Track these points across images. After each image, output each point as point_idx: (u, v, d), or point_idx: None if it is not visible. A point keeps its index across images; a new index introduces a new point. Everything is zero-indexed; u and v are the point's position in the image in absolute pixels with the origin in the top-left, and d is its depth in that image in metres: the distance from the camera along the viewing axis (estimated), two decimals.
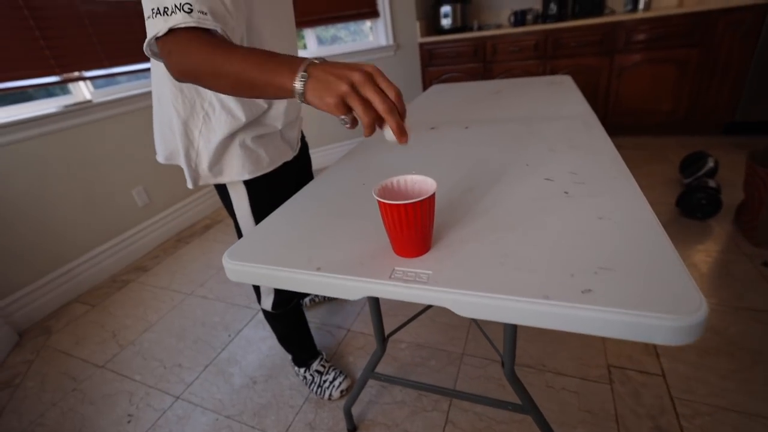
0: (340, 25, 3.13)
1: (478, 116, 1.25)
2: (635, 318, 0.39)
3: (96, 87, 2.05)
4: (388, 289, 0.50)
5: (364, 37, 3.21)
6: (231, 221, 2.50)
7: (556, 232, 0.55)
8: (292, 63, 0.50)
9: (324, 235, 0.64)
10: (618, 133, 2.91)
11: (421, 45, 3.06)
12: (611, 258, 0.48)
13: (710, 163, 1.98)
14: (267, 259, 0.59)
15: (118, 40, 2.05)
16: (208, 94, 0.79)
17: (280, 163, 0.94)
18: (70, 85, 1.94)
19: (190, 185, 0.87)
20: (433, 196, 0.51)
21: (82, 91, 1.98)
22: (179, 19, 0.54)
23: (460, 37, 2.96)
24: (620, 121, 2.84)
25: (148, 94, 2.17)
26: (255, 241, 0.65)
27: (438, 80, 3.14)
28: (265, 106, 0.86)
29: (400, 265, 0.53)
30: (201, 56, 0.55)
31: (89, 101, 1.96)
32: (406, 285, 0.49)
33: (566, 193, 0.66)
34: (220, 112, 0.80)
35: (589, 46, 2.69)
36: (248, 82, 0.53)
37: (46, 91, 1.90)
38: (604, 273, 0.46)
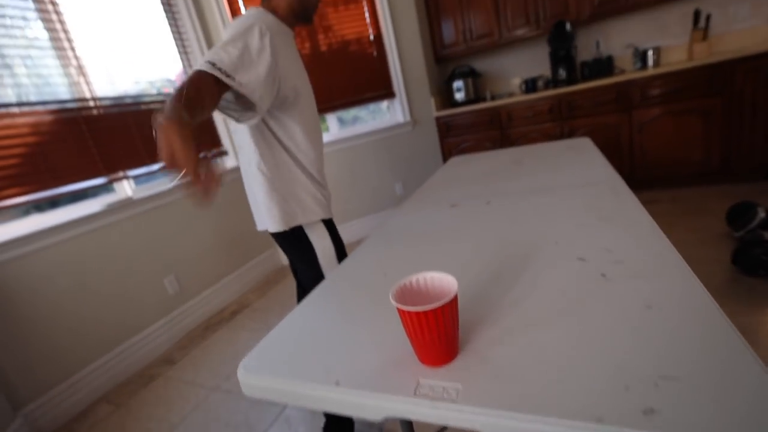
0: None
1: (499, 189, 1.23)
2: None
3: (137, 184, 2.23)
4: (412, 409, 0.45)
5: (382, 115, 3.41)
6: (259, 304, 2.52)
7: (599, 327, 0.49)
8: (178, 112, 0.73)
9: (343, 338, 0.61)
10: (651, 187, 2.81)
11: (437, 118, 3.21)
12: (672, 362, 0.41)
13: (761, 214, 1.84)
14: (283, 370, 0.56)
15: None
16: (283, 154, 1.11)
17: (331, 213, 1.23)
18: (115, 184, 2.12)
19: (281, 228, 1.11)
20: (455, 299, 0.47)
21: (125, 189, 2.16)
22: (206, 68, 0.86)
23: (475, 108, 3.09)
24: (650, 174, 2.76)
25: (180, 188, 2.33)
26: (271, 349, 0.62)
27: (457, 149, 3.23)
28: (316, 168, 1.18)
29: (426, 376, 0.48)
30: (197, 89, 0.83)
31: (130, 198, 2.11)
32: (433, 404, 0.44)
33: (604, 275, 0.61)
34: (292, 167, 1.12)
35: (605, 104, 2.73)
36: (188, 106, 0.75)
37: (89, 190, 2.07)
38: (667, 384, 0.39)
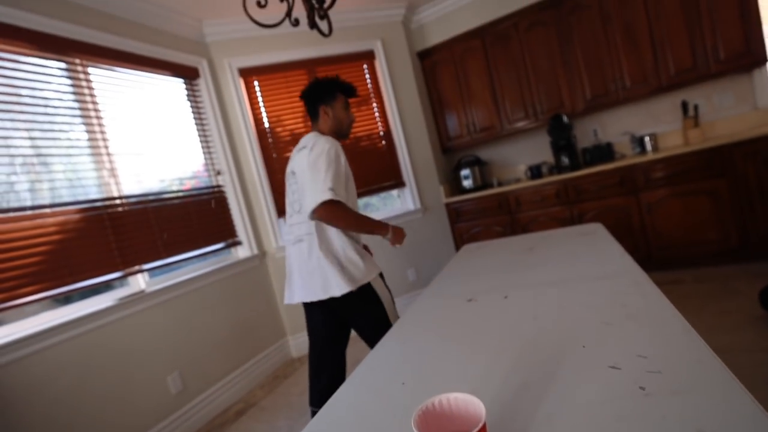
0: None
1: (515, 281, 1.22)
2: None
3: (151, 277, 2.25)
4: None
5: (392, 201, 3.52)
6: (267, 402, 2.35)
7: None
8: (386, 225, 1.50)
9: None
10: (671, 267, 2.74)
11: (447, 205, 3.30)
12: None
13: None
14: None
15: (177, 233, 2.35)
16: (344, 235, 1.46)
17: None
18: (129, 278, 2.14)
19: (350, 288, 1.38)
20: (484, 429, 0.43)
21: (138, 282, 2.18)
22: (330, 195, 1.31)
23: (483, 194, 3.19)
24: (667, 254, 2.71)
25: (195, 279, 2.34)
26: None
27: (468, 234, 3.26)
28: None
29: None
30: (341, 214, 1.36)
31: (142, 291, 2.12)
32: None
33: (642, 389, 0.56)
34: (353, 243, 1.48)
35: (610, 188, 2.80)
36: (368, 230, 1.44)
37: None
38: None
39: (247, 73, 2.89)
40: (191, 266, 2.48)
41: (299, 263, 1.48)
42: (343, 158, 1.41)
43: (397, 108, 3.25)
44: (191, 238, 2.42)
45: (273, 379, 2.62)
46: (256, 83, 2.92)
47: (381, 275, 1.53)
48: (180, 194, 2.44)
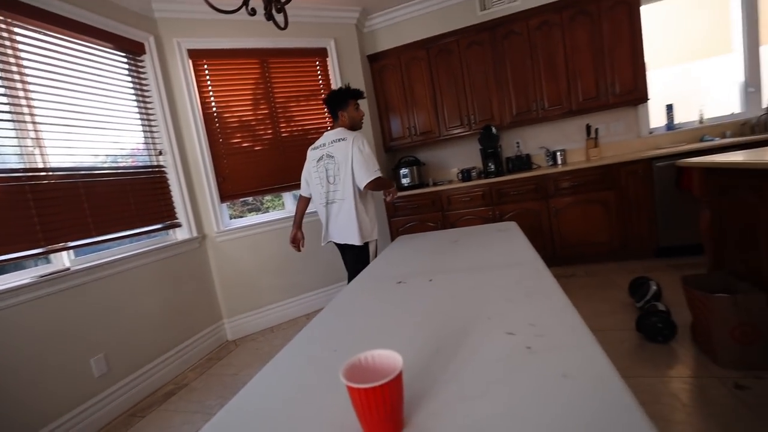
0: None
1: (440, 267, 1.31)
2: None
3: (78, 255, 2.05)
4: None
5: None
6: (198, 383, 2.26)
7: (524, 396, 0.53)
8: (392, 183, 2.18)
9: (294, 418, 0.59)
10: (571, 263, 3.09)
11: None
12: (584, 425, 0.46)
13: (653, 287, 2.08)
14: None
15: (111, 211, 2.15)
16: (371, 205, 2.12)
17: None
18: (52, 255, 1.93)
19: (360, 242, 2.03)
20: (400, 375, 0.49)
21: (63, 259, 1.97)
22: (379, 173, 1.97)
23: (419, 192, 3.33)
24: (568, 252, 3.05)
25: (127, 259, 2.17)
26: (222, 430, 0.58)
27: (404, 228, 3.38)
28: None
29: None
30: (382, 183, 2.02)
31: (67, 269, 1.92)
32: None
33: (529, 348, 0.67)
34: (371, 212, 2.11)
35: (528, 193, 3.08)
36: (389, 186, 2.13)
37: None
38: None
39: (196, 55, 2.71)
40: (126, 246, 2.29)
41: (333, 217, 2.09)
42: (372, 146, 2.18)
43: None
44: (126, 218, 2.24)
45: (206, 361, 2.52)
46: (205, 66, 2.75)
47: (376, 241, 2.15)
48: (116, 171, 2.24)
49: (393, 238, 3.45)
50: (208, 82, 2.77)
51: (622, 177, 2.85)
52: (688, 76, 3.28)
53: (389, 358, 0.54)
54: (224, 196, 2.82)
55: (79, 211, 2.01)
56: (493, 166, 3.35)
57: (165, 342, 2.35)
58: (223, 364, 2.42)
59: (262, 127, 2.96)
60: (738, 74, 3.15)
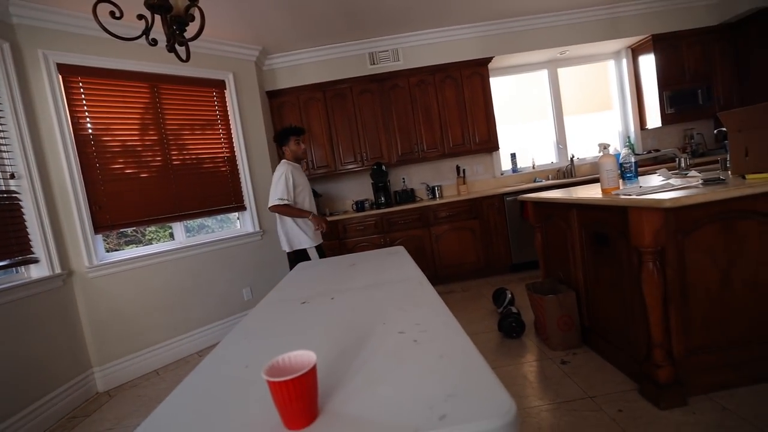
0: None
1: (340, 287, 1.41)
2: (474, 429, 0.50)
3: None
4: None
5: (230, 224, 3.36)
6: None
7: (413, 375, 0.66)
8: (308, 212, 2.43)
9: (216, 425, 0.60)
10: (449, 281, 3.50)
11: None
12: (454, 386, 0.60)
13: (509, 295, 2.53)
14: None
15: None
16: (290, 220, 2.48)
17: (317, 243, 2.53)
18: None
19: (288, 249, 2.50)
20: (314, 368, 0.57)
21: None
22: (277, 201, 2.37)
23: None
24: (447, 272, 3.46)
25: None
26: None
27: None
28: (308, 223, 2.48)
29: None
30: (286, 210, 2.39)
31: None
32: None
33: (415, 341, 0.81)
34: (298, 223, 2.48)
35: (412, 222, 3.42)
36: (297, 215, 2.41)
37: None
38: (453, 399, 0.57)
39: (69, 71, 2.38)
40: None
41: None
42: (290, 176, 2.39)
43: (243, 136, 3.20)
44: None
45: (68, 421, 2.06)
46: (80, 84, 2.42)
47: (317, 247, 2.51)
48: None
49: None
50: (84, 102, 2.44)
51: (484, 208, 3.42)
52: (524, 133, 4.19)
53: (304, 356, 0.61)
54: (100, 227, 2.44)
55: None
56: (383, 198, 3.65)
57: (9, 405, 1.86)
58: (93, 420, 2.02)
59: (150, 153, 2.70)
60: (551, 135, 4.15)
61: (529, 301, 2.16)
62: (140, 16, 1.36)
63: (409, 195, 3.80)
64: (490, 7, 3.33)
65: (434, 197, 3.82)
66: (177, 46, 1.47)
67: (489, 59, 3.67)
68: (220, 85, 3.10)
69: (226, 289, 3.02)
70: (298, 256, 2.45)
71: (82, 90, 2.43)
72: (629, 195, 1.48)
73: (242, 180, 3.21)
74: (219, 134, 3.10)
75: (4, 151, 2.09)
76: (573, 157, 3.94)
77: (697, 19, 3.72)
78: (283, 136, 2.47)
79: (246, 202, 3.22)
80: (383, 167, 3.59)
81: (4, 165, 2.07)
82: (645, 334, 1.48)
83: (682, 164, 2.13)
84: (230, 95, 3.15)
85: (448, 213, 3.43)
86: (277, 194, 2.34)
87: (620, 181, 1.80)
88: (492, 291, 2.82)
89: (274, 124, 3.63)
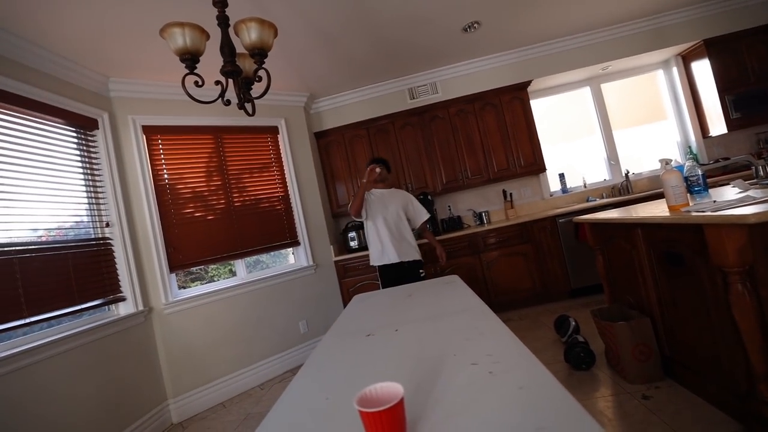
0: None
1: (401, 318, 1.43)
2: None
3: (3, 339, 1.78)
4: None
5: (283, 259, 3.53)
6: None
7: (493, 407, 0.66)
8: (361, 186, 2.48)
9: None
10: (505, 309, 3.37)
11: (336, 262, 3.47)
12: (541, 419, 0.60)
13: (573, 323, 2.39)
14: None
15: (47, 288, 1.94)
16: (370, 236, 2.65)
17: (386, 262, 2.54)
18: None
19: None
20: (402, 399, 0.60)
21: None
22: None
23: (365, 254, 3.47)
24: (501, 299, 3.34)
25: (62, 340, 1.93)
26: None
27: (353, 288, 3.44)
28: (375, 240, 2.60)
29: None
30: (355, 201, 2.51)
31: None
32: None
33: (491, 372, 0.81)
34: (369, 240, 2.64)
35: (462, 249, 3.39)
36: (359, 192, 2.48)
37: None
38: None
39: (151, 131, 2.74)
40: (62, 325, 2.05)
41: None
42: (372, 196, 2.59)
43: (295, 176, 3.43)
44: (63, 294, 2.03)
45: None
46: (159, 140, 2.78)
47: (384, 266, 2.54)
48: (56, 245, 2.07)
49: (345, 300, 3.48)
50: (162, 156, 2.78)
51: (536, 232, 3.31)
52: (571, 151, 4.07)
53: (391, 387, 0.64)
54: (173, 266, 2.69)
55: (11, 290, 1.80)
56: (431, 227, 3.66)
57: None
58: None
59: (215, 198, 2.97)
60: (601, 152, 3.99)
61: (597, 328, 2.03)
62: (217, 82, 1.57)
63: (456, 222, 3.78)
64: (525, 34, 3.39)
65: (482, 223, 3.77)
66: (246, 104, 1.66)
67: (527, 83, 3.69)
68: (274, 130, 3.39)
69: (284, 323, 3.14)
70: (379, 271, 2.58)
71: (160, 145, 2.78)
72: (702, 211, 1.38)
73: (296, 217, 3.40)
74: (274, 175, 3.35)
75: (102, 203, 2.41)
76: (628, 172, 3.74)
77: (756, 17, 3.50)
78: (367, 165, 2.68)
79: (300, 237, 3.40)
80: (429, 196, 3.64)
81: (101, 215, 2.39)
82: (743, 364, 1.33)
83: (761, 172, 1.96)
84: (283, 139, 3.42)
85: (497, 239, 3.36)
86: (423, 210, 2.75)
87: (688, 195, 1.69)
88: (552, 318, 2.67)
89: (323, 163, 3.85)
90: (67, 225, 2.24)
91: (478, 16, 2.89)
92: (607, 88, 4.02)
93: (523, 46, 3.65)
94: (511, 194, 3.82)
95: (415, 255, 2.58)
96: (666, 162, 1.63)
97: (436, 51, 3.34)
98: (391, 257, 2.49)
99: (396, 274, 2.48)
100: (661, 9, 3.47)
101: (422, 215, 2.67)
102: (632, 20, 3.56)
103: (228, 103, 1.57)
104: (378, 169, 2.45)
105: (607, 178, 3.93)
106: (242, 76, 1.61)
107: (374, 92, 3.86)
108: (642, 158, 3.96)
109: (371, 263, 2.60)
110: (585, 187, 3.90)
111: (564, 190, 3.91)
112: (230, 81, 1.60)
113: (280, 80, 3.22)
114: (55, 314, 1.96)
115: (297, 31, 2.54)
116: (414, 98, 3.84)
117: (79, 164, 2.34)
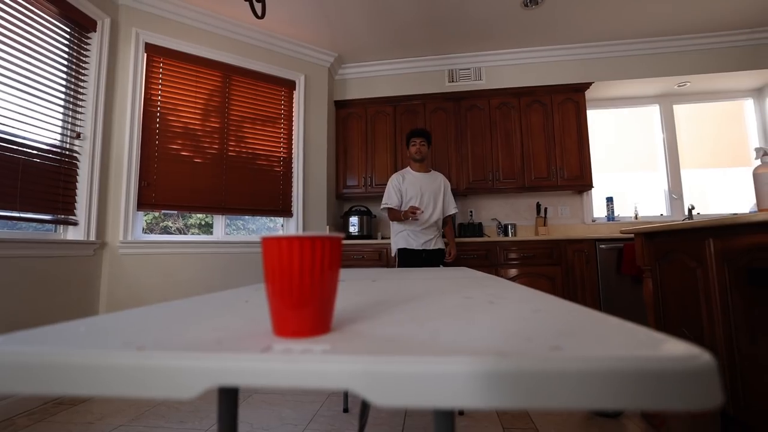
0: (248, 217, 3.29)
1: (406, 276, 1.22)
2: (636, 363, 0.27)
3: None
4: (255, 367, 0.30)
5: (272, 231, 3.35)
6: None
7: (495, 318, 0.44)
8: (402, 212, 2.52)
9: (172, 316, 0.43)
10: None
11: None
12: (567, 327, 0.37)
13: None
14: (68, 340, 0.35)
15: None
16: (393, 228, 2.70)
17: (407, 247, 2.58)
18: None
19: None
20: (339, 240, 0.39)
21: None
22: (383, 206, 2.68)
23: (365, 243, 3.26)
24: None
25: None
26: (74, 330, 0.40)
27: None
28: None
29: (280, 344, 0.35)
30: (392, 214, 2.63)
31: None
32: (287, 359, 0.30)
33: (491, 302, 0.58)
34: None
35: (478, 258, 3.13)
36: (395, 218, 2.61)
37: None
38: (567, 337, 0.34)
39: (154, 51, 2.68)
40: None
41: None
42: (395, 181, 2.66)
43: (303, 141, 3.30)
44: (6, 196, 1.90)
45: (53, 406, 1.99)
46: (161, 64, 2.70)
47: (401, 251, 2.57)
48: (7, 142, 1.96)
49: None
50: (160, 81, 2.70)
51: (569, 254, 3.03)
52: (625, 179, 3.80)
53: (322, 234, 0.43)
54: (143, 204, 2.55)
55: None
56: (454, 224, 3.42)
57: None
58: (77, 411, 1.92)
59: (208, 140, 2.85)
60: (662, 184, 3.70)
61: None
62: None
63: (475, 229, 3.54)
64: (592, 26, 3.22)
65: (506, 234, 3.51)
66: (256, 1, 1.52)
67: (587, 85, 3.49)
68: (290, 85, 3.29)
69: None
70: (399, 255, 2.61)
71: (161, 69, 2.70)
72: None
73: (294, 185, 3.24)
74: (279, 133, 3.22)
75: (79, 112, 2.32)
76: (692, 208, 3.42)
77: None
78: (407, 141, 2.71)
79: (293, 209, 3.23)
80: None
81: (75, 124, 2.29)
82: None
83: None
84: (298, 97, 3.31)
85: (521, 254, 3.09)
86: (384, 199, 2.66)
87: None
88: None
89: (337, 135, 3.72)
90: (31, 123, 2.14)
91: None
92: (681, 111, 3.77)
93: (587, 42, 3.47)
94: (545, 209, 3.56)
95: (439, 244, 2.65)
96: (764, 153, 1.39)
97: (488, 26, 3.20)
98: (413, 244, 2.55)
99: (416, 261, 2.53)
100: (766, 22, 3.23)
101: (450, 208, 2.70)
102: (727, 30, 3.32)
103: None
104: (419, 212, 2.50)
105: (665, 213, 3.62)
106: None
107: (410, 67, 3.74)
108: (712, 199, 3.65)
109: (393, 247, 2.64)
110: (636, 218, 3.60)
111: (610, 216, 3.62)
112: None
113: (308, 29, 3.14)
114: None
115: None
116: (453, 81, 3.69)
117: (64, 63, 2.26)
